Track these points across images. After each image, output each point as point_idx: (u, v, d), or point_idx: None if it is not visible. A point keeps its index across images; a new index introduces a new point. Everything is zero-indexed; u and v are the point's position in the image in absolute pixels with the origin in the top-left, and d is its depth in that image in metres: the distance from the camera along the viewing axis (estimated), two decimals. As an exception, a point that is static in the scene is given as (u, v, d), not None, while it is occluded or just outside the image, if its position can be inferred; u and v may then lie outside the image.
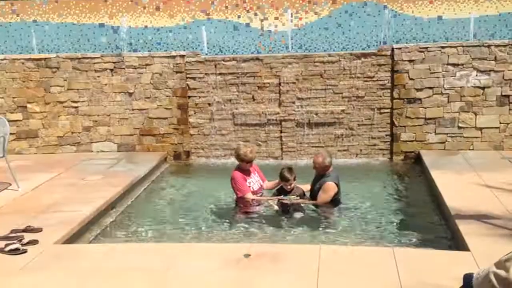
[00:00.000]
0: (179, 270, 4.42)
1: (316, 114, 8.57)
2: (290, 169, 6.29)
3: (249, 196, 6.29)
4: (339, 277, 4.17)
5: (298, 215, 6.07)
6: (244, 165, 6.37)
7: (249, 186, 6.34)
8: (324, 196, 6.13)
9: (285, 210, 6.16)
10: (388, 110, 8.45)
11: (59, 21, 9.37)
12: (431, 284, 3.99)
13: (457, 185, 6.53)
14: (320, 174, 6.26)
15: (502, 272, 1.83)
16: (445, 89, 8.23)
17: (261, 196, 6.46)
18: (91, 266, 4.52)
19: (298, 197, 6.23)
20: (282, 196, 6.24)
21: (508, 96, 8.11)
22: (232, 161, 8.59)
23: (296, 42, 9.09)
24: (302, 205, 6.25)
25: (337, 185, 6.20)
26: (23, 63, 8.84)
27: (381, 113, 8.48)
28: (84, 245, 5.42)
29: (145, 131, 8.91)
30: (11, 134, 7.97)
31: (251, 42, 9.19)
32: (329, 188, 6.12)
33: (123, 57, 8.74)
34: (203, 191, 7.22)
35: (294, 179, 6.23)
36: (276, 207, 6.22)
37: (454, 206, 5.64)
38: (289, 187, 6.22)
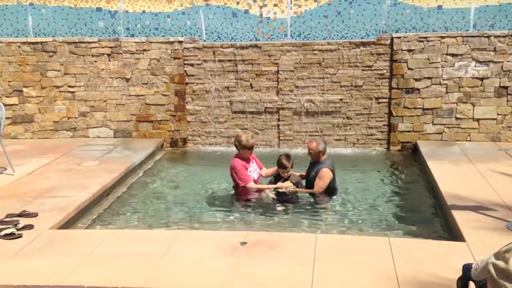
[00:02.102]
0: (174, 256, 4.42)
1: (314, 102, 8.54)
2: (288, 156, 6.27)
3: (252, 185, 6.22)
4: (335, 266, 4.18)
5: (280, 207, 6.04)
6: (245, 153, 6.27)
7: (250, 175, 6.29)
8: (321, 183, 6.14)
9: (282, 199, 6.15)
10: (386, 100, 8.43)
11: (56, 4, 9.26)
12: (427, 273, 4.00)
13: (454, 175, 6.53)
14: (315, 160, 6.28)
15: (501, 263, 1.82)
16: (443, 80, 8.21)
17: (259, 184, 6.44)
18: (86, 252, 4.51)
19: (295, 185, 6.23)
20: (280, 182, 6.22)
21: (506, 87, 8.10)
22: (229, 148, 8.62)
23: (295, 30, 9.03)
24: (298, 193, 6.26)
25: (333, 172, 6.21)
26: (19, 46, 8.76)
27: (379, 103, 8.46)
28: (79, 230, 5.41)
29: (141, 117, 8.86)
30: (6, 118, 7.92)
31: (249, 29, 9.11)
32: (325, 175, 6.13)
33: (120, 42, 8.67)
34: (200, 179, 7.21)
35: (292, 167, 6.23)
36: (272, 195, 6.21)
37: (450, 197, 5.65)
38: (286, 174, 6.21)
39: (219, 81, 8.65)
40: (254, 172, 6.37)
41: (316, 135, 8.52)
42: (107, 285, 3.94)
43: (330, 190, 6.26)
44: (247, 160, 6.34)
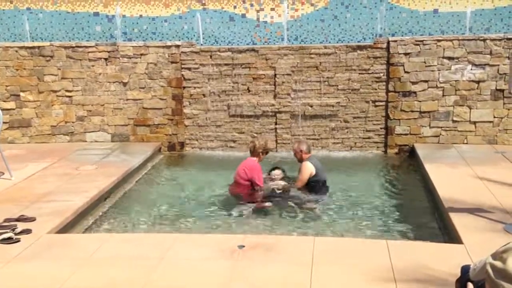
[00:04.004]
0: (172, 260, 4.42)
1: (311, 106, 8.56)
2: (278, 167, 6.82)
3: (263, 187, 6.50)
4: (333, 269, 4.18)
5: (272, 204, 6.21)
6: (263, 157, 6.56)
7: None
8: (299, 175, 6.44)
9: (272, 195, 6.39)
10: (383, 103, 8.45)
11: (53, 9, 9.28)
12: (425, 275, 4.01)
13: (451, 178, 6.55)
14: (299, 161, 6.59)
15: (499, 264, 1.83)
16: (440, 83, 8.24)
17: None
18: (84, 256, 4.51)
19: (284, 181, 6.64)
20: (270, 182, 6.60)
21: (502, 90, 8.12)
22: (226, 152, 8.62)
23: (292, 34, 9.06)
24: (290, 190, 6.48)
25: (316, 166, 6.42)
26: (16, 51, 8.74)
27: (376, 106, 8.48)
28: (77, 234, 5.41)
29: (139, 121, 8.86)
30: (4, 123, 7.91)
31: (246, 33, 9.14)
32: (304, 167, 6.42)
33: (117, 46, 8.67)
34: (197, 182, 7.21)
35: (283, 171, 6.62)
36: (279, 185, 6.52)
37: (447, 199, 5.67)
38: (276, 176, 6.59)
39: (216, 85, 8.66)
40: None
41: (313, 139, 8.55)
42: (106, 289, 3.95)
43: (317, 187, 6.41)
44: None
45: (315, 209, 6.10)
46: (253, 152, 6.52)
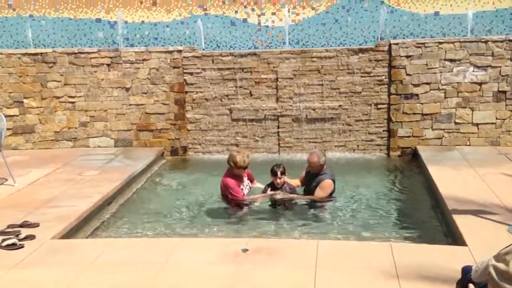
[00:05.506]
0: (176, 264, 4.43)
1: (313, 109, 8.56)
2: (278, 165, 6.39)
3: (243, 200, 6.29)
4: (337, 271, 4.18)
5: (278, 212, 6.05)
6: (239, 172, 6.30)
7: (242, 192, 6.32)
8: (322, 193, 6.22)
9: (279, 205, 6.24)
10: (385, 106, 8.45)
11: (56, 15, 9.33)
12: (429, 278, 4.00)
13: (454, 180, 6.54)
14: (315, 172, 6.35)
15: (501, 265, 1.83)
16: (442, 85, 8.23)
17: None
18: (88, 261, 4.51)
19: (290, 193, 6.32)
20: (270, 191, 6.33)
21: (504, 92, 8.12)
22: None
23: (293, 38, 9.07)
24: (296, 200, 6.33)
25: (334, 182, 6.31)
26: (19, 58, 8.79)
27: (378, 109, 8.49)
28: (81, 240, 5.41)
29: (142, 126, 8.88)
30: (7, 129, 7.94)
31: (248, 38, 9.16)
32: (327, 185, 6.23)
33: (120, 52, 8.71)
34: (200, 187, 7.21)
35: (282, 174, 6.28)
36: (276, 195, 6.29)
37: (451, 201, 5.66)
38: (278, 181, 6.27)
39: (218, 89, 8.68)
40: (246, 188, 6.43)
41: (316, 142, 8.55)
42: (110, 294, 3.95)
43: (328, 196, 6.33)
44: (240, 177, 6.36)
45: (318, 212, 6.10)
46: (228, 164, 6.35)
